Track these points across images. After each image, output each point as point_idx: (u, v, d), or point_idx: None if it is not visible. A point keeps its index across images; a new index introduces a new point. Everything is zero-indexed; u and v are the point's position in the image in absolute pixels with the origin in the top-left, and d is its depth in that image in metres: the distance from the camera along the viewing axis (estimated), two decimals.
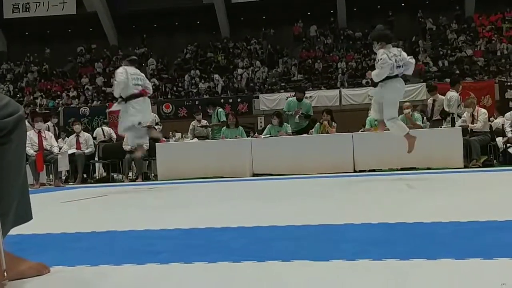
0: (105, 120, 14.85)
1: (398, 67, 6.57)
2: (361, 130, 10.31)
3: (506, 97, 19.69)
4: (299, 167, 9.38)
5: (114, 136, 11.78)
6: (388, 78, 6.55)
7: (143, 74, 7.08)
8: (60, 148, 10.54)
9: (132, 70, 6.91)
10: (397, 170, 9.14)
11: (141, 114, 6.81)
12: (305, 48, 26.10)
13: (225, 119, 11.06)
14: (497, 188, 5.48)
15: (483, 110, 9.99)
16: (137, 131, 6.94)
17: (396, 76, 6.59)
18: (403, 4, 27.09)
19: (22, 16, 28.10)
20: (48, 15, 27.85)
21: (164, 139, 11.75)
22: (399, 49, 6.90)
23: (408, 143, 6.74)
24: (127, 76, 6.73)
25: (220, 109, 11.44)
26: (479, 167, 9.16)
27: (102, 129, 12.30)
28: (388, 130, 6.82)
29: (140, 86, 6.82)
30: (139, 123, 6.85)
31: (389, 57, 6.51)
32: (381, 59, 6.53)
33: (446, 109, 10.20)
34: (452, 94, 10.17)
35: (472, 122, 9.83)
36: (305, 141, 9.78)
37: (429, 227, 2.74)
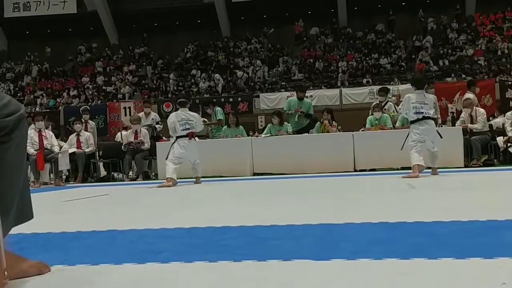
0: (124, 125, 14.91)
1: (417, 113, 7.25)
2: (361, 129, 10.32)
3: (506, 96, 19.65)
4: (300, 166, 9.39)
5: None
6: (412, 121, 7.33)
7: (194, 116, 8.04)
8: (61, 147, 10.54)
9: (182, 114, 7.86)
10: (397, 169, 9.14)
11: (186, 151, 7.77)
12: (305, 47, 26.09)
13: (221, 118, 11.05)
14: (497, 187, 5.48)
15: (482, 111, 10.01)
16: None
17: (419, 119, 7.24)
18: (403, 4, 27.05)
19: (22, 15, 28.07)
20: (48, 14, 27.82)
21: (164, 138, 11.75)
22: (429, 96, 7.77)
23: (412, 173, 7.06)
24: (174, 125, 7.77)
25: (218, 108, 11.43)
26: (480, 166, 9.17)
27: (121, 133, 12.27)
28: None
29: (188, 129, 7.82)
30: None
31: (412, 102, 7.26)
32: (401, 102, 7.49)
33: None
34: (469, 96, 10.33)
35: (471, 122, 9.85)
36: (306, 140, 9.78)
37: (429, 226, 2.74)
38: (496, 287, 1.55)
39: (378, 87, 16.57)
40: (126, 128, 13.10)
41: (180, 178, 8.60)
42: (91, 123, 12.02)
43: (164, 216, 3.97)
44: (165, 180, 7.70)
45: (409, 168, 8.16)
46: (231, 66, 25.64)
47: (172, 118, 7.92)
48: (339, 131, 10.42)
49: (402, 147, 7.45)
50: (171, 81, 24.90)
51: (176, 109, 8.50)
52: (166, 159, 7.82)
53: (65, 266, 2.13)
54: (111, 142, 11.82)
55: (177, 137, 7.82)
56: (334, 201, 4.59)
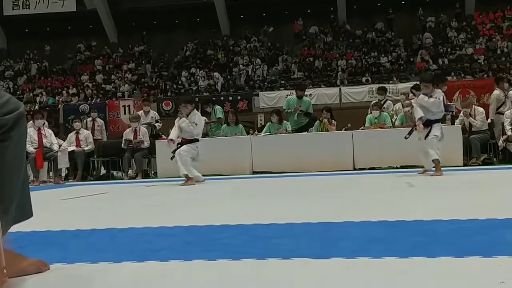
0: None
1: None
2: (361, 128, 10.32)
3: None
4: (299, 164, 9.39)
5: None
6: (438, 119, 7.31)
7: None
8: (60, 146, 10.54)
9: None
10: (396, 168, 9.15)
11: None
12: (305, 46, 26.08)
13: (220, 116, 11.06)
14: (496, 186, 5.49)
15: (481, 109, 10.01)
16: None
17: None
18: (403, 2, 27.05)
19: (22, 13, 28.04)
20: (47, 12, 27.78)
21: (163, 136, 11.74)
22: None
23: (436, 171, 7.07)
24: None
25: (218, 107, 11.44)
26: (479, 165, 9.17)
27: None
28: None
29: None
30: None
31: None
32: (439, 98, 7.22)
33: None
34: (496, 92, 10.41)
35: (470, 122, 9.86)
36: (305, 139, 9.78)
37: (428, 225, 2.74)
38: (495, 286, 1.56)
39: (378, 85, 16.57)
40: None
41: (180, 177, 8.59)
42: (99, 121, 12.06)
43: (163, 215, 3.98)
44: (184, 179, 7.67)
45: (408, 166, 8.19)
46: (230, 64, 25.63)
47: (201, 120, 7.96)
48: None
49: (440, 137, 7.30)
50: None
51: (177, 111, 8.58)
52: (185, 154, 7.70)
53: (65, 264, 2.13)
54: (111, 140, 11.80)
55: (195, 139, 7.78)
56: (333, 200, 4.59)
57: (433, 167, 7.11)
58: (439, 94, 7.25)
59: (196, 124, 7.73)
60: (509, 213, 3.00)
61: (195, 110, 8.05)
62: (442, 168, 7.28)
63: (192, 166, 7.73)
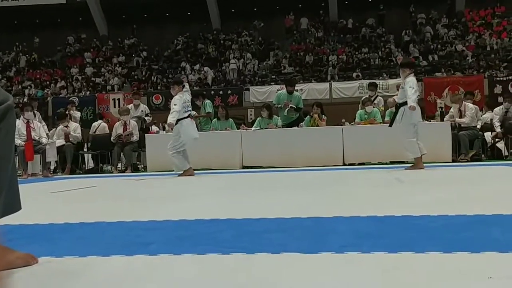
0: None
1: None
2: (352, 123, 10.34)
3: (495, 92, 19.83)
4: (289, 159, 9.40)
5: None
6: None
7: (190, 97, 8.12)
8: (47, 135, 10.48)
9: (185, 96, 7.83)
10: (386, 163, 9.18)
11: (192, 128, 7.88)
12: (296, 41, 26.08)
13: (210, 111, 11.04)
14: (485, 182, 5.53)
15: (470, 105, 10.05)
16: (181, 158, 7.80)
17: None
18: None
19: (11, 5, 27.84)
20: (37, 4, 27.60)
21: (153, 130, 11.71)
22: None
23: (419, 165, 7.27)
24: (181, 106, 7.68)
25: (208, 101, 11.42)
26: (468, 161, 9.23)
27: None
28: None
29: (190, 112, 7.93)
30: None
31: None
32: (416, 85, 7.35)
33: None
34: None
35: (460, 117, 9.91)
36: (295, 134, 9.79)
37: (417, 220, 2.76)
38: (483, 281, 1.57)
39: (368, 81, 16.62)
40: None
41: (170, 171, 8.58)
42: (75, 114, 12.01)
43: (152, 208, 3.96)
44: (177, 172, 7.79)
45: (398, 162, 8.23)
46: (221, 59, 25.57)
47: (181, 100, 7.79)
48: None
49: (392, 124, 7.51)
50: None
51: (167, 105, 8.52)
52: (170, 149, 7.73)
53: (53, 257, 2.12)
54: (100, 133, 11.73)
55: (179, 119, 7.71)
56: (323, 195, 4.60)
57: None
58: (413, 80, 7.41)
59: (175, 104, 7.70)
60: (497, 209, 3.02)
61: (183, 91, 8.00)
62: (430, 164, 7.34)
63: (185, 156, 7.80)
